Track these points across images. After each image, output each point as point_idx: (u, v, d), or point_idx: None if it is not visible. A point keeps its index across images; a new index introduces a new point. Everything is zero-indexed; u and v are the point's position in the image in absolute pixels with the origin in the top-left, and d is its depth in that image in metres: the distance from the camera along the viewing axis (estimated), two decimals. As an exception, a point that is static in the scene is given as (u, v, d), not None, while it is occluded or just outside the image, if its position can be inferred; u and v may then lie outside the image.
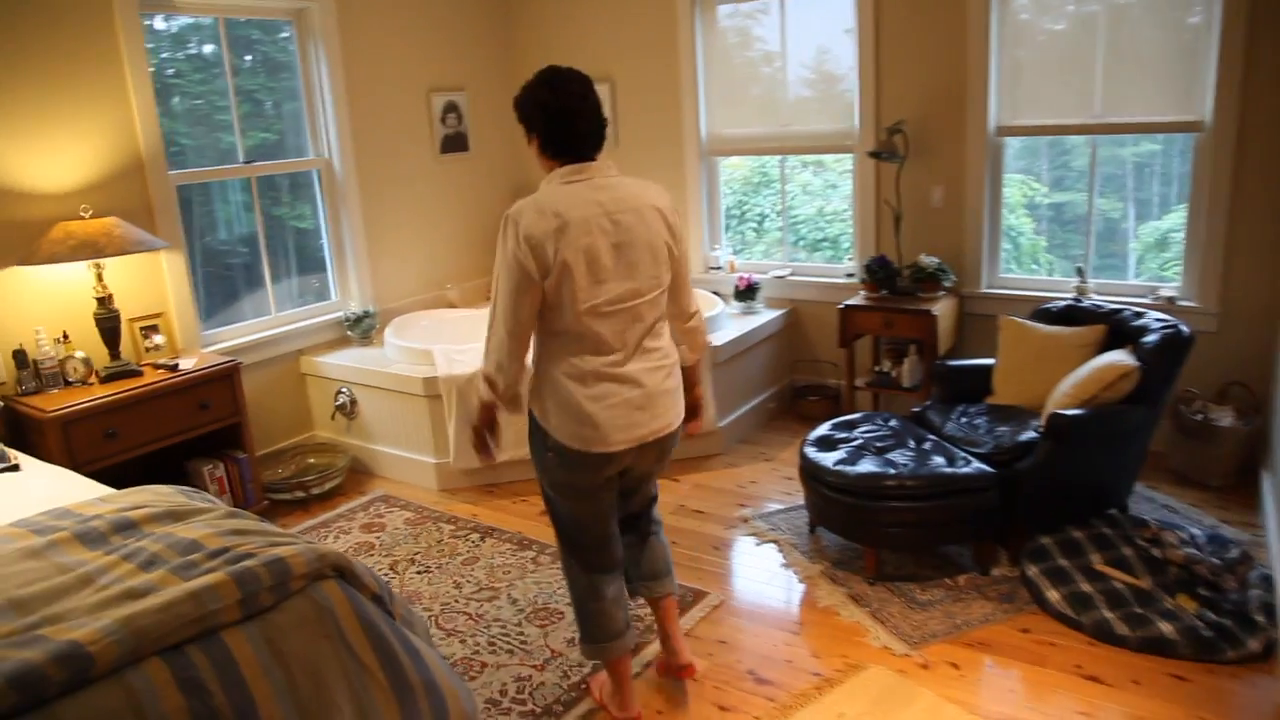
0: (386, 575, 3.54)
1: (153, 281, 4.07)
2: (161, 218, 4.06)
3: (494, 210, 5.70)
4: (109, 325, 3.70)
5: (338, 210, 4.88)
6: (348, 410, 4.58)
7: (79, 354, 3.66)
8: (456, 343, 4.54)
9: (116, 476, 3.70)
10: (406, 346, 4.44)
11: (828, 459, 3.31)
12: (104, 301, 3.68)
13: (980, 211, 4.46)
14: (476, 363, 4.16)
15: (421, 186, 5.26)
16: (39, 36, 3.61)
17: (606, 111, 2.33)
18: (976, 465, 3.16)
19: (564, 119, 2.20)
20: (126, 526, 2.08)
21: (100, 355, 3.75)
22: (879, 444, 3.40)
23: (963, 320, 4.60)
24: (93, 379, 3.67)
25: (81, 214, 3.64)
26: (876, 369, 4.66)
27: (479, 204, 5.62)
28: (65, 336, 3.69)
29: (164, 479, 3.93)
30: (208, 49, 4.37)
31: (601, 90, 5.31)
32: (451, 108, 5.37)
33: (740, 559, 3.51)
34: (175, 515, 2.15)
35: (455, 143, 5.42)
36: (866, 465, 3.21)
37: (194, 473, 3.90)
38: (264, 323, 4.62)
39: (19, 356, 3.58)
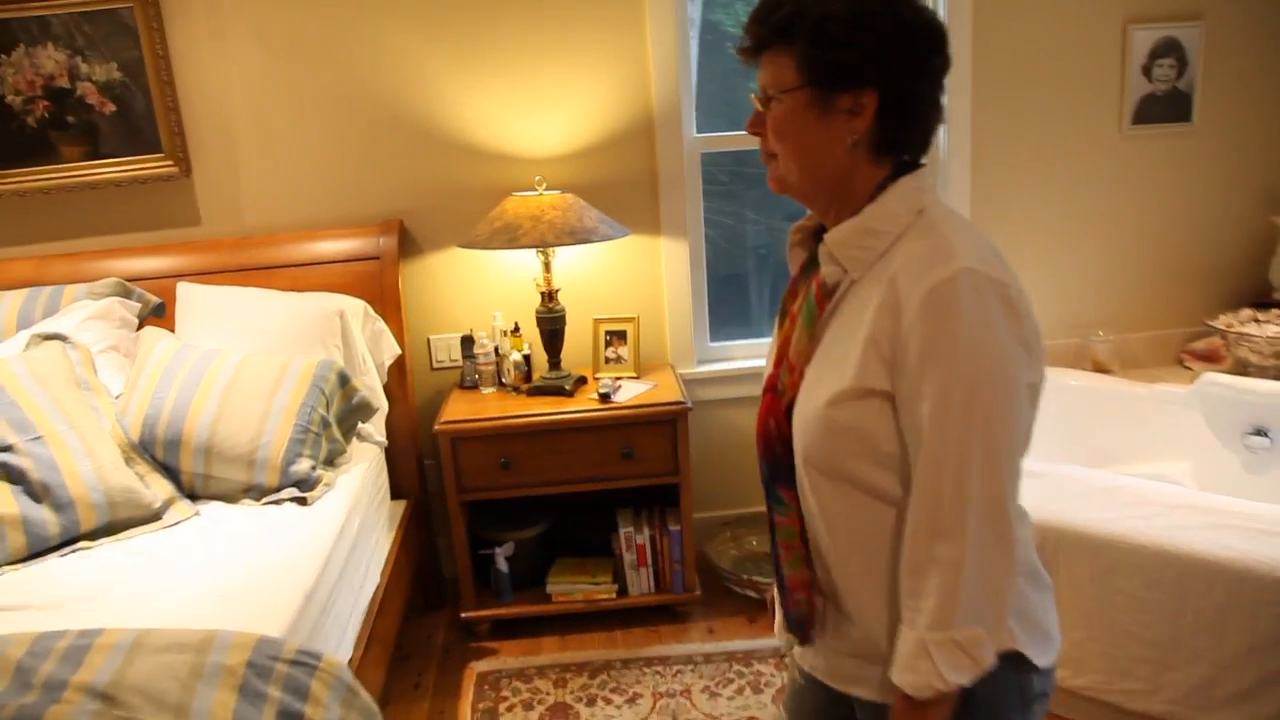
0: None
1: (644, 275, 3.20)
2: (668, 193, 3.13)
3: (1223, 224, 3.44)
4: (550, 328, 2.95)
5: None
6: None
7: (516, 354, 3.00)
8: (1073, 438, 2.72)
9: (521, 508, 3.02)
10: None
11: None
12: (547, 298, 2.93)
13: None
14: (1058, 502, 2.42)
15: (1080, 175, 3.33)
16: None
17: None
18: None
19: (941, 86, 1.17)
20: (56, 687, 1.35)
21: (543, 360, 3.04)
22: None
23: None
24: (524, 388, 2.99)
25: (535, 186, 2.90)
26: None
27: (1195, 209, 3.41)
28: (516, 329, 3.06)
29: (590, 519, 3.15)
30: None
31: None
32: (1169, 49, 3.26)
33: None
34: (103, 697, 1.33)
35: (1165, 107, 3.31)
36: None
37: (620, 525, 3.01)
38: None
39: (466, 344, 3.07)
